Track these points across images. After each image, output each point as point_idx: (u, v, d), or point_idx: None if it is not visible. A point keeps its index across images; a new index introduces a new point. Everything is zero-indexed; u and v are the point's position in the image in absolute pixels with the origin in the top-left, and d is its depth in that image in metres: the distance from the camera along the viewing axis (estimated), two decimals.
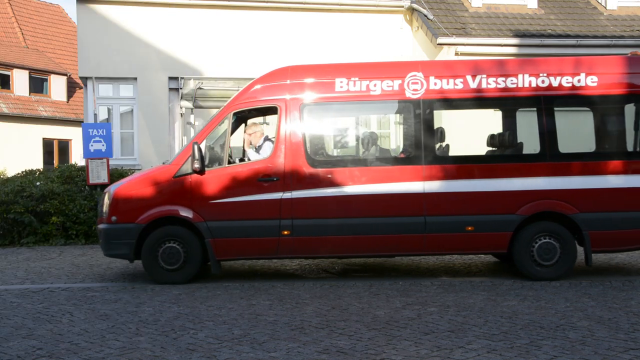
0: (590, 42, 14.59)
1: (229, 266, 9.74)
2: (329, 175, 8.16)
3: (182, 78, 14.22)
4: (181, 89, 14.12)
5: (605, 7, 16.09)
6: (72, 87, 30.23)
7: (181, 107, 14.33)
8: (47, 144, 28.33)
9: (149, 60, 14.95)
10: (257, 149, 8.68)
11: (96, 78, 15.08)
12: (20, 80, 27.85)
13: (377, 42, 15.07)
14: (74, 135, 28.01)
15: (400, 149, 8.87)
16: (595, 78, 8.30)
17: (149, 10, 14.93)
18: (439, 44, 14.02)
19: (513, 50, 14.41)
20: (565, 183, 8.11)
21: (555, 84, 8.31)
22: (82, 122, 18.65)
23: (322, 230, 8.10)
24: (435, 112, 8.40)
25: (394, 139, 9.66)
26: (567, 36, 14.67)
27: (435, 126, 8.40)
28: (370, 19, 15.45)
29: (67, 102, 29.65)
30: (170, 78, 15.03)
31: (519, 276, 8.40)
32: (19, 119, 26.96)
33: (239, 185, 8.17)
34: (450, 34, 14.21)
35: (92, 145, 12.73)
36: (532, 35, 14.62)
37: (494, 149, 9.00)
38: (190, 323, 6.10)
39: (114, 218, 8.20)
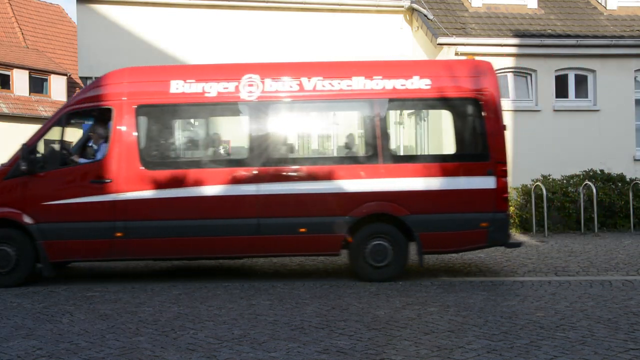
0: (590, 42, 14.60)
1: (229, 266, 9.74)
2: (163, 177, 8.15)
3: None
4: None
5: (605, 7, 16.09)
6: (72, 87, 30.23)
7: None
8: (48, 144, 28.31)
9: (149, 60, 14.90)
10: (96, 151, 8.53)
11: (96, 78, 15.07)
12: (20, 80, 27.84)
13: (377, 42, 15.07)
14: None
15: (237, 151, 8.85)
16: (428, 81, 8.33)
17: (149, 10, 14.94)
18: (439, 44, 14.03)
19: (513, 50, 14.43)
20: (396, 185, 8.15)
21: (389, 86, 8.32)
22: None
23: (156, 232, 8.09)
24: (270, 114, 8.38)
25: (232, 141, 9.66)
26: (567, 36, 14.67)
27: (270, 128, 8.38)
28: (370, 19, 15.45)
29: None
30: None
31: (516, 276, 8.41)
32: (19, 119, 26.95)
33: (71, 186, 8.16)
34: (450, 34, 14.21)
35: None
36: (532, 35, 14.63)
37: (328, 151, 9.02)
38: (190, 323, 6.10)
39: None
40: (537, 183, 13.30)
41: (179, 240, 8.14)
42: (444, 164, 8.37)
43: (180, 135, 8.84)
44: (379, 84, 8.31)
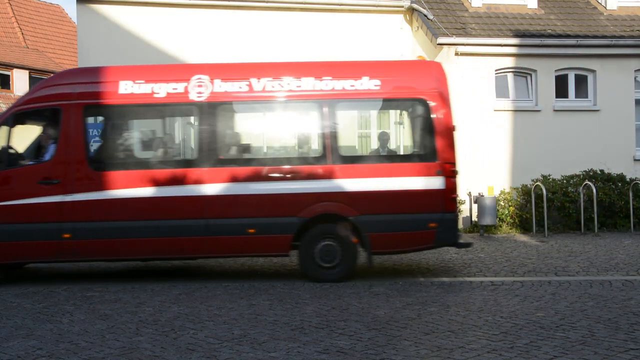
0: (590, 42, 14.60)
1: (229, 266, 9.74)
2: (112, 178, 8.14)
3: None
4: None
5: (605, 7, 16.09)
6: None
7: None
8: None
9: (149, 60, 14.89)
10: (45, 151, 8.48)
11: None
12: (20, 80, 27.84)
13: (377, 42, 15.06)
14: None
15: (186, 152, 8.85)
16: (378, 82, 8.36)
17: (149, 10, 14.93)
18: (439, 44, 14.02)
19: (513, 50, 14.42)
20: (345, 186, 8.17)
21: (338, 87, 8.35)
22: None
23: (104, 233, 8.07)
24: (219, 114, 8.38)
25: (181, 142, 9.62)
26: (567, 36, 14.67)
27: (219, 129, 8.38)
28: (370, 19, 15.44)
29: None
30: None
31: (516, 276, 8.41)
32: None
33: (18, 187, 8.14)
34: (450, 34, 14.21)
35: (92, 145, 12.69)
36: (532, 35, 14.62)
37: (275, 152, 9.04)
38: (190, 323, 6.10)
39: None
40: (537, 183, 13.30)
41: (127, 241, 8.12)
42: (392, 165, 8.42)
43: (128, 136, 8.80)
44: (328, 84, 8.35)
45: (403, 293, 7.42)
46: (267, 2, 15.07)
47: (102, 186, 8.08)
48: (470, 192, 13.79)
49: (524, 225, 13.60)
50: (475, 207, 13.45)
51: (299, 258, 8.29)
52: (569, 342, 5.24)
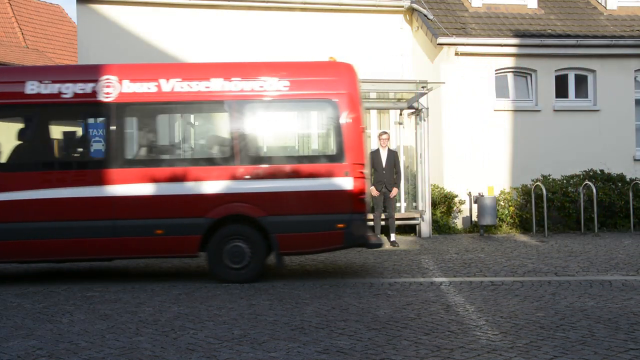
0: (590, 42, 14.61)
1: None
2: (17, 179, 8.12)
3: None
4: None
5: (605, 7, 16.10)
6: None
7: None
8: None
9: (149, 60, 14.91)
10: None
11: None
12: None
13: (377, 42, 15.08)
14: None
15: (94, 152, 8.81)
16: (287, 83, 8.37)
17: (149, 10, 14.94)
18: (439, 44, 14.03)
19: (513, 50, 14.43)
20: (253, 186, 8.17)
21: (247, 88, 8.36)
22: None
23: (9, 235, 8.00)
24: (128, 115, 8.39)
25: (89, 142, 9.63)
26: (567, 36, 14.68)
27: (127, 130, 8.37)
28: (370, 19, 15.46)
29: None
30: None
31: (516, 276, 8.42)
32: None
33: None
34: (450, 34, 14.22)
35: (92, 145, 12.70)
36: (532, 35, 14.63)
37: (183, 152, 9.04)
38: (190, 323, 6.10)
39: None
40: (537, 183, 13.30)
41: (33, 243, 8.07)
42: (301, 166, 8.42)
43: (35, 137, 8.65)
44: (237, 85, 8.35)
45: (403, 293, 7.42)
46: (267, 2, 15.07)
47: (8, 187, 8.05)
48: (470, 192, 13.81)
49: (524, 225, 13.60)
50: (475, 207, 13.46)
51: (208, 259, 8.28)
52: (569, 342, 5.24)
